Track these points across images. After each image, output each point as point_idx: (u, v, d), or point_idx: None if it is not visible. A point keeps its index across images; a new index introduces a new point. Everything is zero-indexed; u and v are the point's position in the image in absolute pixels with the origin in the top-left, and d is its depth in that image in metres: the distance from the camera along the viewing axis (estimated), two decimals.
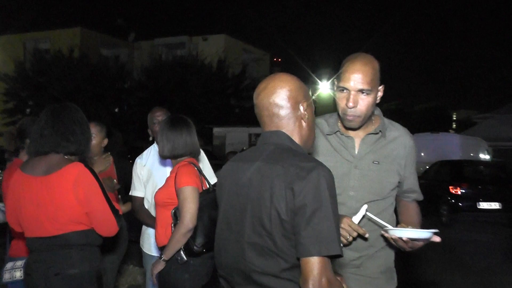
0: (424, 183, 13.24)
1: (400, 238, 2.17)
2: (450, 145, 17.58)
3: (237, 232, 1.81)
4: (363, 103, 2.28)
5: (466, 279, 6.77)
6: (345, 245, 2.24)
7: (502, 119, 30.38)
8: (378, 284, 2.47)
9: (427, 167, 14.74)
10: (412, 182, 2.53)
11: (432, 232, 2.14)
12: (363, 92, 2.27)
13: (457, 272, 7.14)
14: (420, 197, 2.59)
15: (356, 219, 2.25)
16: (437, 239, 2.17)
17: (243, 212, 1.80)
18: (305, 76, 31.58)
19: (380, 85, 2.34)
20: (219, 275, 1.97)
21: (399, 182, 2.48)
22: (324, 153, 2.45)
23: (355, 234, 2.22)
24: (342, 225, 2.20)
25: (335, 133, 2.46)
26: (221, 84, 25.31)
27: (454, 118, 41.64)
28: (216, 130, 22.89)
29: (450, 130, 31.49)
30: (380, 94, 2.36)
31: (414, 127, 21.87)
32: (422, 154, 16.84)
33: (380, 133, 2.44)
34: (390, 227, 2.23)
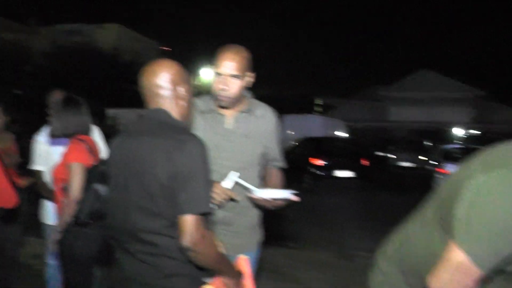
0: (291, 156, 13.91)
1: (264, 198, 2.31)
2: (314, 125, 18.54)
3: (125, 197, 1.85)
4: (234, 86, 2.41)
5: (322, 233, 7.17)
6: (218, 206, 2.32)
7: (357, 104, 32.81)
8: (244, 237, 2.60)
9: (294, 143, 15.43)
10: (275, 153, 2.68)
11: (290, 192, 2.29)
12: (233, 77, 2.40)
13: (315, 228, 7.50)
14: (283, 165, 2.74)
15: (227, 184, 2.35)
16: (295, 198, 2.33)
17: (130, 180, 1.83)
18: (189, 63, 31.62)
19: (250, 72, 2.47)
20: (110, 237, 2.00)
21: (265, 153, 2.63)
22: (201, 128, 2.51)
23: (226, 197, 2.33)
24: (214, 190, 2.29)
25: (210, 111, 2.56)
26: (114, 69, 24.68)
27: (319, 103, 43.42)
28: (110, 111, 22.28)
29: (314, 112, 32.99)
30: (249, 79, 2.48)
31: (284, 111, 22.65)
32: (291, 132, 17.61)
33: (249, 111, 2.57)
34: (255, 189, 2.33)
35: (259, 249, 2.70)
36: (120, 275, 1.96)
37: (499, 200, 1.40)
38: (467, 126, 27.13)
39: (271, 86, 40.88)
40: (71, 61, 22.79)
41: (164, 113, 1.91)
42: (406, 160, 17.52)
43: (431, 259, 1.61)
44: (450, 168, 11.78)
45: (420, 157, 16.77)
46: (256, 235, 2.70)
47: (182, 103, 1.96)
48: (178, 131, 1.84)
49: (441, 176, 11.68)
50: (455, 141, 18.02)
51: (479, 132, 24.73)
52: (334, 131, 20.01)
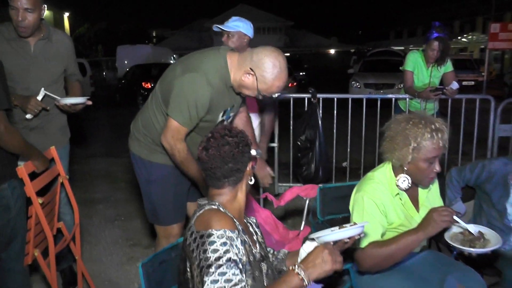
0: (125, 81, 15.63)
1: (67, 104, 2.87)
2: (144, 54, 20.10)
3: None
4: (30, 18, 2.68)
5: None
6: (33, 116, 2.82)
7: (185, 35, 35.03)
8: (56, 137, 3.06)
9: (127, 70, 17.01)
10: (73, 68, 3.13)
11: (85, 98, 2.92)
12: (28, 10, 2.65)
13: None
14: (80, 78, 3.24)
15: (39, 98, 2.77)
16: (88, 102, 2.95)
17: None
18: None
19: (42, 5, 2.72)
20: None
21: (65, 70, 3.06)
22: (8, 53, 2.77)
23: (39, 107, 2.79)
24: (30, 103, 2.75)
25: (15, 39, 2.81)
26: None
27: (152, 35, 43.85)
28: None
29: (150, 44, 33.81)
30: (43, 12, 2.74)
31: (120, 42, 23.47)
32: (126, 62, 19.04)
33: (47, 38, 2.90)
34: (60, 98, 2.86)
35: (69, 144, 3.24)
36: None
37: (189, 92, 2.23)
38: (281, 50, 31.03)
39: (108, 20, 40.31)
40: None
41: None
42: None
43: (155, 124, 2.49)
44: None
45: None
46: (66, 134, 3.20)
47: None
48: None
49: None
50: None
51: (288, 54, 28.51)
52: (165, 59, 21.82)
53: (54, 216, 2.85)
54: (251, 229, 1.78)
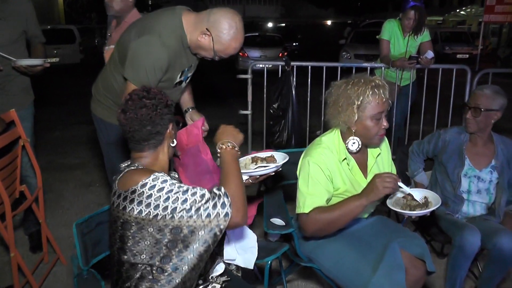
0: None
1: (23, 66, 2.87)
2: None
3: None
4: None
5: None
6: None
7: (179, 2, 34.22)
8: (17, 99, 3.05)
9: None
10: (34, 30, 3.12)
11: (42, 60, 2.92)
12: None
13: None
14: (43, 40, 3.17)
15: None
16: (46, 65, 2.92)
17: None
18: None
19: None
20: None
21: (26, 32, 3.06)
22: None
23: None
24: None
25: None
26: None
27: (149, 3, 43.04)
28: None
29: (145, 12, 33.27)
30: None
31: None
32: None
33: None
34: (17, 60, 2.84)
35: (33, 106, 3.20)
36: None
37: (145, 55, 2.19)
38: (277, 21, 30.77)
39: None
40: None
41: None
42: None
43: (114, 84, 2.47)
44: (248, 52, 14.52)
45: None
46: (28, 96, 3.17)
47: None
48: None
49: (241, 59, 14.15)
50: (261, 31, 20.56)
51: (284, 25, 28.25)
52: None
53: (15, 179, 2.84)
54: None
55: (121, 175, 1.60)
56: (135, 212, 1.49)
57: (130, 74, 2.25)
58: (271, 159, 2.01)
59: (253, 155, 2.06)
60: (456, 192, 2.66)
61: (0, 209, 2.59)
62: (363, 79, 2.05)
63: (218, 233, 1.52)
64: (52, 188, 4.56)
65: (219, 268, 1.85)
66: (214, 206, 1.51)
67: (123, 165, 1.67)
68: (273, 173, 1.97)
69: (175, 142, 1.72)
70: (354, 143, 2.11)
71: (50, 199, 4.23)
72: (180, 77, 2.45)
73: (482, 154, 2.64)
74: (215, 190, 1.55)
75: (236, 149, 1.73)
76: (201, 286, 1.74)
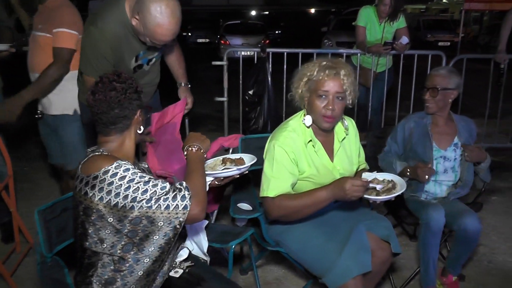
0: None
1: None
2: None
3: None
4: None
5: None
6: None
7: None
8: None
9: None
10: (0, 14, 3.27)
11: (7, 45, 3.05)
12: None
13: None
14: (10, 24, 3.35)
15: None
16: (11, 50, 3.07)
17: None
18: None
19: None
20: None
21: None
22: None
23: None
24: None
25: None
26: None
27: None
28: None
29: None
30: None
31: None
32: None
33: None
34: None
35: (1, 93, 3.22)
36: None
37: (89, 46, 2.32)
38: (260, 8, 30.53)
39: None
40: None
41: None
42: (202, 37, 19.64)
43: None
44: (230, 40, 14.53)
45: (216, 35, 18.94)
46: None
47: None
48: None
49: (223, 46, 14.04)
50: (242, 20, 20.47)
51: (267, 12, 28.03)
52: None
53: None
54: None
55: (85, 159, 1.59)
56: (96, 199, 1.49)
57: (82, 66, 2.43)
58: (240, 161, 1.99)
59: (223, 156, 2.06)
60: None
61: None
62: (321, 59, 2.10)
63: (178, 226, 1.53)
64: (28, 177, 4.50)
65: (183, 253, 1.85)
66: (174, 198, 1.51)
67: (89, 150, 1.66)
68: (238, 176, 1.95)
69: (142, 129, 1.72)
70: (307, 118, 2.13)
71: (26, 189, 4.17)
72: (136, 61, 2.45)
73: (444, 133, 2.68)
74: (177, 184, 1.56)
75: (202, 151, 1.77)
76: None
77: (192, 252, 1.96)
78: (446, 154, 2.65)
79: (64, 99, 2.88)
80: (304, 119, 2.13)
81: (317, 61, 2.09)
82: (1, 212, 3.31)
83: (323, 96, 2.04)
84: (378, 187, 1.99)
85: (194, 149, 1.77)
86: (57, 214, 1.85)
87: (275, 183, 2.05)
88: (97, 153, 1.59)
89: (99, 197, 1.49)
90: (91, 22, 2.31)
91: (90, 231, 1.54)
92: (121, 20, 2.26)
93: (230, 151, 2.81)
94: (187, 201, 1.52)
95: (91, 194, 1.50)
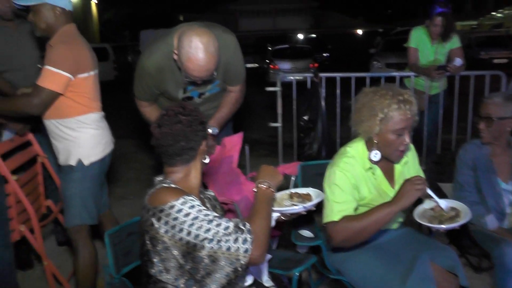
0: None
1: None
2: None
3: None
4: None
5: None
6: None
7: (211, 17, 35.26)
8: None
9: None
10: None
11: None
12: None
13: None
14: None
15: None
16: None
17: None
18: None
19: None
20: None
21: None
22: None
23: None
24: None
25: None
26: None
27: (179, 19, 44.19)
28: None
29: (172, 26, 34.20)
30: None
31: (146, 28, 23.59)
32: None
33: None
34: None
35: None
36: None
37: (136, 72, 2.63)
38: (307, 32, 30.76)
39: (134, 6, 40.85)
40: None
41: None
42: (250, 62, 19.89)
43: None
44: (279, 64, 14.66)
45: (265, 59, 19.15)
46: None
47: None
48: None
49: (272, 71, 14.27)
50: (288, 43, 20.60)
51: (314, 35, 28.11)
52: None
53: (39, 195, 2.95)
54: (208, 204, 1.81)
55: (153, 190, 1.65)
56: (162, 231, 1.53)
57: (134, 89, 2.66)
58: (307, 197, 1.99)
59: (291, 191, 2.06)
60: (500, 206, 2.51)
61: (29, 223, 2.70)
62: (391, 91, 2.02)
63: (239, 268, 1.54)
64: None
65: (248, 279, 1.87)
66: (236, 240, 1.52)
67: (157, 179, 1.72)
68: (305, 213, 1.93)
69: (208, 159, 1.75)
70: (376, 154, 2.09)
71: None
72: (184, 93, 2.52)
73: (504, 162, 2.53)
74: (240, 225, 1.57)
75: (272, 189, 1.74)
76: None
77: (255, 277, 1.98)
78: (508, 187, 2.50)
79: (67, 148, 2.52)
80: (371, 155, 2.10)
81: (391, 96, 2.00)
82: (58, 234, 3.49)
83: (400, 134, 2.02)
84: (443, 204, 1.95)
85: (264, 187, 1.73)
86: (123, 238, 1.95)
87: (338, 207, 2.05)
88: (164, 185, 1.64)
89: (164, 230, 1.53)
90: (142, 52, 2.52)
91: (155, 260, 1.58)
92: (168, 53, 2.34)
93: (292, 179, 2.83)
94: (248, 245, 1.53)
95: (157, 226, 1.54)
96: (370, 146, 2.13)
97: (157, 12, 41.26)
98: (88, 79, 2.48)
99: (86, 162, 2.50)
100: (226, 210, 2.04)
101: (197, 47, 2.14)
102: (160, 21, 35.67)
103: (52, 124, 2.49)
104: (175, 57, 2.27)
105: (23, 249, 3.17)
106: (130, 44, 25.08)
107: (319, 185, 2.55)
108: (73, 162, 2.50)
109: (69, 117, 2.47)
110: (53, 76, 2.31)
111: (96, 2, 34.93)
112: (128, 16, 36.36)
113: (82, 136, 2.50)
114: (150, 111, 2.67)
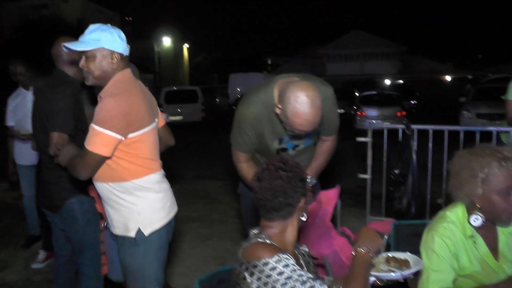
0: (234, 108, 16.16)
1: None
2: (257, 81, 20.47)
3: None
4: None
5: None
6: None
7: (299, 61, 36.07)
8: None
9: (239, 96, 17.59)
10: None
11: None
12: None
13: None
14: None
15: None
16: None
17: None
18: (151, 31, 32.92)
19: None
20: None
21: None
22: None
23: None
24: None
25: None
26: None
27: (267, 63, 45.54)
28: None
29: (264, 71, 35.20)
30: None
31: (235, 71, 24.73)
32: (238, 89, 19.88)
33: None
34: None
35: None
36: None
37: (236, 122, 2.58)
38: (394, 77, 30.31)
39: (223, 50, 42.97)
40: (39, 34, 22.67)
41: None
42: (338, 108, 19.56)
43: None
44: (366, 111, 14.47)
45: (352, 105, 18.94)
46: None
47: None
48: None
49: (359, 118, 14.07)
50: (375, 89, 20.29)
51: (402, 81, 27.57)
52: None
53: None
54: (301, 261, 1.77)
55: (248, 243, 1.64)
56: (254, 286, 1.52)
57: (231, 138, 2.61)
58: (405, 263, 1.88)
59: (388, 254, 1.97)
60: None
61: None
62: (488, 150, 1.89)
63: None
64: None
65: None
66: None
67: (252, 232, 1.71)
68: (403, 280, 1.83)
69: (305, 216, 1.72)
70: (476, 219, 1.92)
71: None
72: (280, 144, 2.52)
73: None
74: None
75: (371, 254, 1.67)
76: None
77: None
78: None
79: (124, 215, 2.20)
80: (470, 218, 1.94)
81: (489, 154, 1.88)
82: None
83: (507, 193, 1.86)
84: None
85: (363, 251, 1.66)
86: (214, 285, 1.94)
87: (435, 276, 1.91)
88: (260, 240, 1.63)
89: (256, 285, 1.51)
90: (241, 102, 2.52)
91: None
92: (267, 103, 2.36)
93: (385, 237, 2.71)
94: None
95: (249, 280, 1.53)
96: (471, 210, 1.97)
97: (246, 55, 42.93)
98: (143, 137, 2.15)
99: (148, 231, 2.20)
100: (316, 264, 1.98)
101: (303, 102, 2.14)
102: (249, 64, 37.12)
103: (105, 187, 2.19)
104: (278, 111, 2.29)
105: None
106: (219, 86, 26.21)
107: (413, 246, 2.43)
108: (132, 233, 2.19)
109: (125, 180, 2.16)
110: (98, 137, 2.02)
111: (188, 46, 37.20)
112: (217, 59, 38.22)
113: (142, 202, 2.19)
114: (247, 168, 2.63)
